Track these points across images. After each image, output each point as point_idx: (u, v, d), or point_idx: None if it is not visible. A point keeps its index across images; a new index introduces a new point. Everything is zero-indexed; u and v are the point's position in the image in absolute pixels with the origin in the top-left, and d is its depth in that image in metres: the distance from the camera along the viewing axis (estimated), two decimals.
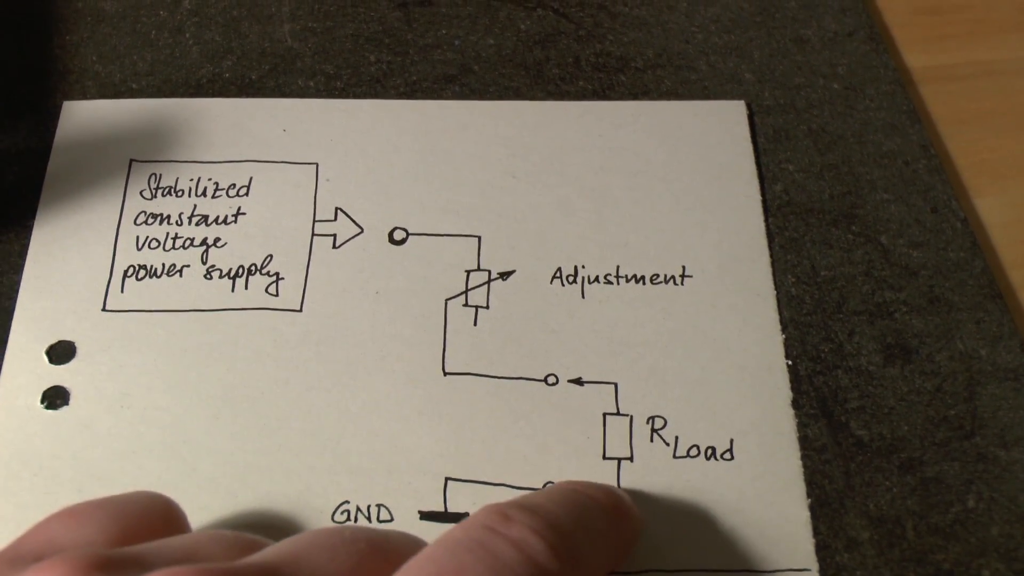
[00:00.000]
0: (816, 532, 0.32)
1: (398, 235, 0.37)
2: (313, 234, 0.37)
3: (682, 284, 0.36)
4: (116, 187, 0.38)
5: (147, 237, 0.37)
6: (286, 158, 0.39)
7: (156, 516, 0.27)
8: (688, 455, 0.33)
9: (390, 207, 0.38)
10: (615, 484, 0.33)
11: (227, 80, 0.41)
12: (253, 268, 0.36)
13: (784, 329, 0.36)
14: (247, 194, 0.38)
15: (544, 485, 0.32)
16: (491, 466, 0.33)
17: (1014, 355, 0.35)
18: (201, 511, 0.32)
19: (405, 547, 0.25)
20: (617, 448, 0.33)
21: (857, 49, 0.43)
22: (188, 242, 0.37)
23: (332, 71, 0.42)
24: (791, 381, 0.35)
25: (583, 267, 0.37)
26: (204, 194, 0.38)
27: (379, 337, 0.35)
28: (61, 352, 0.34)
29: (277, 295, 0.36)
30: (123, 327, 0.35)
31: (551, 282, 0.36)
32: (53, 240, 0.37)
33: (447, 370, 0.35)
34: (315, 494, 0.32)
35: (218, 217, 0.37)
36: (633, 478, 0.33)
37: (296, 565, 0.23)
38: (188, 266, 0.36)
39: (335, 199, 0.38)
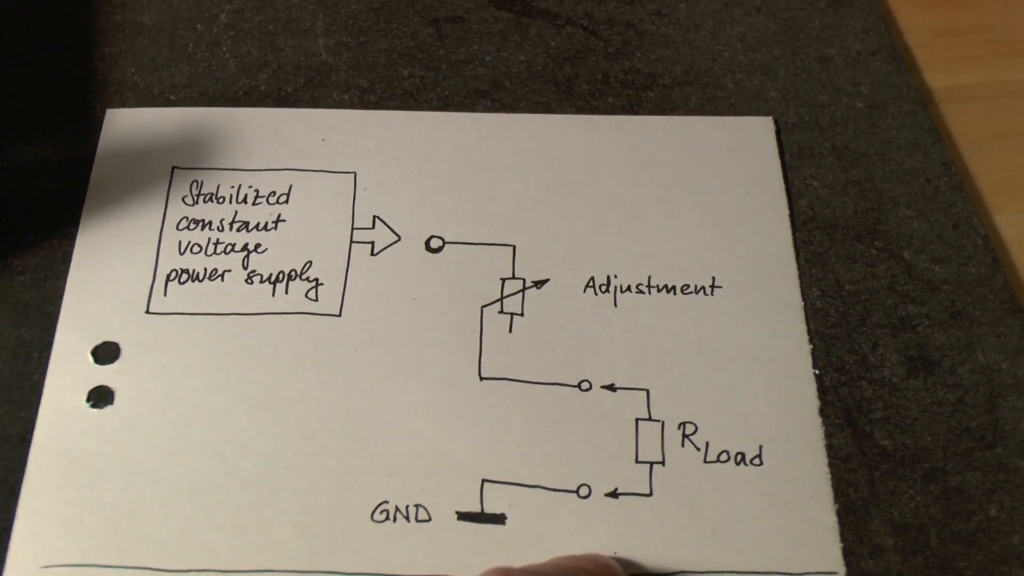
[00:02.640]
0: (842, 539, 0.33)
1: (435, 243, 0.38)
2: (352, 241, 0.38)
3: (712, 295, 0.37)
4: (159, 193, 0.39)
5: (189, 242, 0.38)
6: (325, 167, 0.40)
7: None
8: (718, 460, 0.34)
9: (427, 216, 0.39)
10: (648, 488, 0.33)
11: (263, 93, 0.42)
12: (293, 274, 0.37)
13: (810, 340, 0.37)
14: (287, 201, 0.39)
15: (578, 488, 0.33)
16: (526, 469, 0.33)
17: None
18: (243, 510, 0.32)
19: None
20: (649, 452, 0.34)
21: (880, 69, 0.44)
22: (229, 247, 0.38)
23: (366, 85, 0.43)
24: (817, 391, 0.35)
25: (615, 277, 0.37)
26: (245, 201, 0.39)
27: (416, 342, 0.36)
28: (106, 353, 0.35)
29: (317, 300, 0.37)
30: (166, 329, 0.36)
31: (584, 291, 0.37)
32: (98, 244, 0.37)
33: (483, 375, 0.35)
34: (354, 494, 0.33)
35: (259, 223, 0.38)
36: (664, 482, 0.33)
37: None
38: (229, 271, 0.37)
39: (373, 207, 0.39)
